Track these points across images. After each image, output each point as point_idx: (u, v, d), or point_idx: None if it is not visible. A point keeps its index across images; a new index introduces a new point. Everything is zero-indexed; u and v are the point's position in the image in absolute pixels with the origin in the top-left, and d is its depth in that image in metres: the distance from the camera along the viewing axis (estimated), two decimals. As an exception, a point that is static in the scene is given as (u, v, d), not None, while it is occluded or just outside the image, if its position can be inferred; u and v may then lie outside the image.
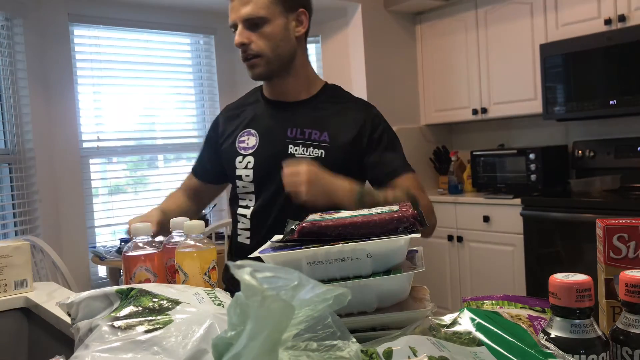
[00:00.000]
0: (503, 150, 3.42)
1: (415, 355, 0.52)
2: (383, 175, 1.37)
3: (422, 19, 3.84)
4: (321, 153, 1.36)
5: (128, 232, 1.08)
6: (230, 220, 1.54)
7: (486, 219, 3.21)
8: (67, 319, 0.73)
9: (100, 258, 3.02)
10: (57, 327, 1.14)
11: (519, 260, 3.06)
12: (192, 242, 0.86)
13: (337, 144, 1.37)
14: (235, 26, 1.35)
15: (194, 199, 1.59)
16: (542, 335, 0.58)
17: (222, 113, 1.57)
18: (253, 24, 1.32)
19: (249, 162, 1.41)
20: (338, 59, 3.79)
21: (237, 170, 1.43)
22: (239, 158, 1.43)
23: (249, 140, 1.44)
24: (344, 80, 3.72)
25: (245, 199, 1.44)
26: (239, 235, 1.44)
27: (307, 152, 1.37)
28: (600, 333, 0.56)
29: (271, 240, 0.76)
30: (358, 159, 1.39)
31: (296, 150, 1.37)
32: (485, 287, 3.26)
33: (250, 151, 1.42)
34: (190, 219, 1.28)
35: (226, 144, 1.48)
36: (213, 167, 1.55)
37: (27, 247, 1.37)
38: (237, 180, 1.44)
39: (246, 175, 1.41)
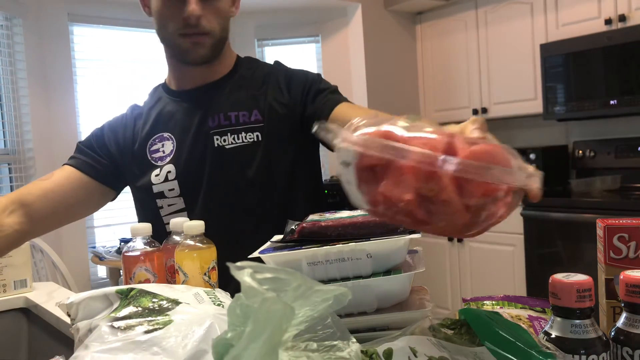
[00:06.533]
0: (503, 150, 3.42)
1: (416, 356, 0.52)
2: (326, 112, 1.12)
3: (422, 18, 3.84)
4: (257, 136, 1.13)
5: None
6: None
7: (486, 219, 3.20)
8: (67, 319, 0.73)
9: (100, 258, 3.02)
10: (57, 327, 1.14)
11: (519, 261, 3.05)
12: (192, 242, 0.86)
13: (273, 117, 1.14)
14: None
15: (64, 204, 1.15)
16: (542, 335, 0.58)
17: (114, 125, 1.28)
18: None
19: (169, 171, 1.14)
20: (338, 59, 3.79)
21: (154, 187, 1.15)
22: (155, 171, 1.15)
23: (164, 147, 1.17)
24: (344, 80, 3.72)
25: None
26: None
27: (238, 139, 1.13)
28: (600, 333, 0.56)
29: (271, 240, 0.75)
30: (299, 120, 1.16)
31: (224, 140, 1.13)
32: (486, 287, 3.26)
33: (167, 159, 1.16)
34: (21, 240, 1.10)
35: (131, 160, 1.19)
36: (112, 172, 1.21)
37: (27, 247, 1.37)
38: (157, 200, 1.15)
39: (170, 190, 1.14)
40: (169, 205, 1.15)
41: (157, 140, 1.18)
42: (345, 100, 1.16)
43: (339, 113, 1.10)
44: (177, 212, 1.14)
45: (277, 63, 1.27)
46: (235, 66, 1.24)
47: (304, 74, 1.21)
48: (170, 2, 1.10)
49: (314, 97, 1.16)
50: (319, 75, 1.22)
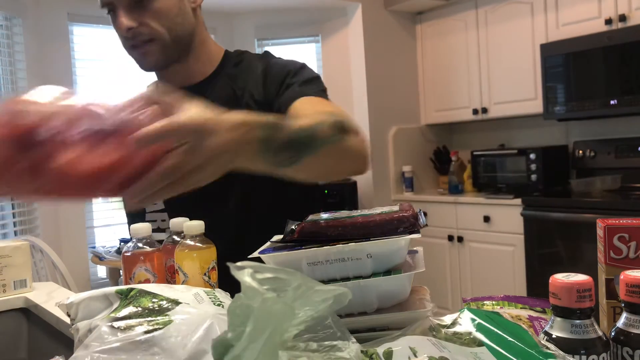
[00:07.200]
0: (503, 150, 3.42)
1: (416, 356, 0.52)
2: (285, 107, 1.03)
3: (422, 18, 3.84)
4: None
5: None
6: None
7: (486, 219, 3.20)
8: (67, 319, 0.73)
9: (99, 258, 3.02)
10: (57, 328, 1.13)
11: (520, 261, 3.05)
12: (191, 242, 0.86)
13: None
14: (109, 5, 1.04)
15: None
16: (542, 335, 0.58)
17: None
18: (137, 0, 1.02)
19: None
20: (338, 59, 3.78)
21: None
22: None
23: None
24: (344, 80, 3.72)
25: (156, 220, 1.16)
26: None
27: None
28: (600, 333, 0.56)
29: (271, 240, 0.75)
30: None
31: None
32: (486, 287, 3.26)
33: None
34: None
35: None
36: None
37: (27, 247, 1.37)
38: None
39: None
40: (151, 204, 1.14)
41: None
42: (315, 93, 1.04)
43: (293, 109, 1.00)
44: (157, 212, 1.14)
45: (265, 54, 1.19)
46: (221, 64, 1.16)
47: (283, 66, 1.12)
48: (112, 18, 1.06)
49: (284, 90, 1.07)
50: (300, 66, 1.13)
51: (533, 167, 3.18)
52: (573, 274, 0.58)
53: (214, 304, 0.69)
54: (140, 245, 0.91)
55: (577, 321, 0.56)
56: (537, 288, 2.96)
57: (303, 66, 1.13)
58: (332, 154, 0.77)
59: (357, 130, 0.86)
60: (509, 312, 0.71)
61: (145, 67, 1.10)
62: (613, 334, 0.58)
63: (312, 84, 1.07)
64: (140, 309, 0.66)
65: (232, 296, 0.75)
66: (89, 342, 0.62)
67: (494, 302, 0.76)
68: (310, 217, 0.80)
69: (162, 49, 1.06)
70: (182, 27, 1.08)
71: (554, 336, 0.57)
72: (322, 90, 1.07)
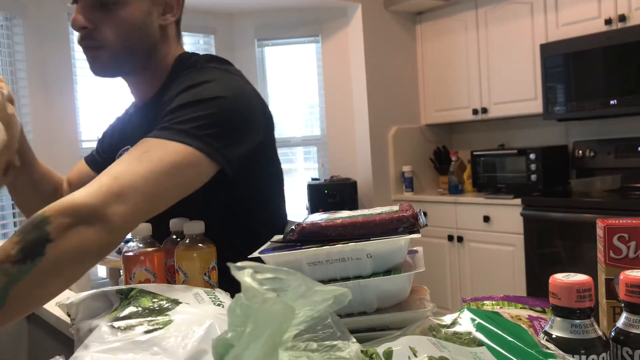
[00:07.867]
0: (503, 150, 3.42)
1: (416, 356, 0.52)
2: None
3: (422, 18, 3.84)
4: None
5: None
6: None
7: (486, 219, 3.21)
8: (67, 319, 0.73)
9: (100, 258, 3.03)
10: (57, 328, 1.13)
11: (519, 261, 3.06)
12: (192, 243, 0.86)
13: None
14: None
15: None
16: (542, 335, 0.58)
17: (117, 121, 1.28)
18: (102, 2, 0.97)
19: None
20: (338, 59, 3.79)
21: None
22: None
23: None
24: (344, 80, 3.72)
25: None
26: None
27: None
28: (600, 333, 0.56)
29: (271, 240, 0.75)
30: None
31: None
32: (486, 287, 3.26)
33: None
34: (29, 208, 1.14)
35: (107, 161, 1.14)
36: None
37: (27, 247, 1.37)
38: None
39: None
40: None
41: (124, 152, 1.14)
42: (162, 134, 0.87)
43: None
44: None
45: (195, 61, 1.07)
46: (170, 75, 1.07)
47: (179, 85, 0.98)
48: (74, 12, 1.01)
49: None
50: (191, 85, 0.96)
51: (533, 167, 3.18)
52: (573, 274, 0.58)
53: (214, 304, 0.69)
54: (140, 245, 0.91)
55: (577, 321, 0.56)
56: (536, 288, 2.96)
57: (199, 84, 0.96)
58: (32, 286, 0.66)
59: (88, 218, 0.73)
60: (509, 312, 0.71)
61: (93, 70, 1.05)
62: (613, 334, 0.58)
63: (178, 112, 0.90)
64: (140, 309, 0.66)
65: (232, 296, 0.75)
66: (89, 342, 0.62)
67: (493, 302, 0.76)
68: (311, 217, 0.80)
69: (110, 57, 1.01)
70: (139, 41, 1.01)
71: (553, 336, 0.57)
72: (185, 120, 0.88)
